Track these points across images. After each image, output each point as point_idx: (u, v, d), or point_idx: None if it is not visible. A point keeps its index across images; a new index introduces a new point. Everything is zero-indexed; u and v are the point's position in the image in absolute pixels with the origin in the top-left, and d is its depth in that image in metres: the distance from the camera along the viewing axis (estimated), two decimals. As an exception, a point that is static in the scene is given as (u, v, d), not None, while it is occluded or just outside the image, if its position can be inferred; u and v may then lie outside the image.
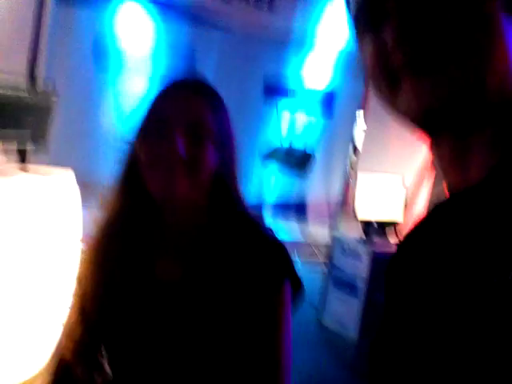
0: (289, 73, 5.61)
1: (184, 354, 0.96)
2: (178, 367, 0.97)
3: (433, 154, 0.63)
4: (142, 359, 0.98)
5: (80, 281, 1.03)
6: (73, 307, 1.02)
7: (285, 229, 5.80)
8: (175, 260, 1.03)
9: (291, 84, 5.65)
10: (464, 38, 0.53)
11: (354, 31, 0.64)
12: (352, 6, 0.63)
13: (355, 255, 4.33)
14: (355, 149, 6.18)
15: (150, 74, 4.70)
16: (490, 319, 0.48)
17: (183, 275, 1.00)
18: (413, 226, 0.70)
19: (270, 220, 5.50)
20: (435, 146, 0.62)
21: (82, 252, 1.06)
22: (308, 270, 6.25)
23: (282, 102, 5.66)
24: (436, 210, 0.66)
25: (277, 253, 1.02)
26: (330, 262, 4.59)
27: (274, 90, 5.56)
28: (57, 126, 4.26)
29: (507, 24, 0.55)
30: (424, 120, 0.57)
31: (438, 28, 0.54)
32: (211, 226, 1.04)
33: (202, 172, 0.99)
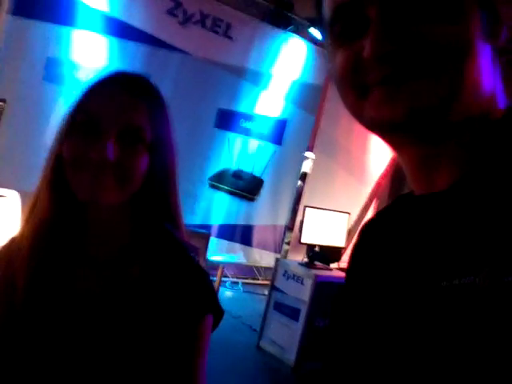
0: (243, 98, 5.71)
1: (92, 372, 0.90)
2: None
3: (400, 162, 0.63)
4: (44, 374, 0.90)
5: None
6: None
7: (229, 250, 5.84)
8: (95, 271, 0.96)
9: (244, 109, 5.75)
10: (442, 50, 0.53)
11: (325, 41, 0.62)
12: (325, 15, 0.60)
13: (298, 279, 4.40)
14: (303, 177, 6.34)
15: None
16: (437, 321, 0.50)
17: (102, 288, 0.94)
18: (373, 217, 0.71)
19: (215, 240, 5.53)
20: (400, 156, 0.62)
21: None
22: (250, 293, 6.29)
23: (235, 126, 5.75)
24: (397, 205, 0.67)
25: (200, 285, 0.97)
26: (272, 285, 4.62)
27: (228, 113, 5.65)
28: (4, 135, 4.19)
29: (483, 43, 0.56)
30: (389, 130, 0.56)
31: (419, 38, 0.53)
32: (134, 238, 0.98)
33: (131, 178, 0.93)
